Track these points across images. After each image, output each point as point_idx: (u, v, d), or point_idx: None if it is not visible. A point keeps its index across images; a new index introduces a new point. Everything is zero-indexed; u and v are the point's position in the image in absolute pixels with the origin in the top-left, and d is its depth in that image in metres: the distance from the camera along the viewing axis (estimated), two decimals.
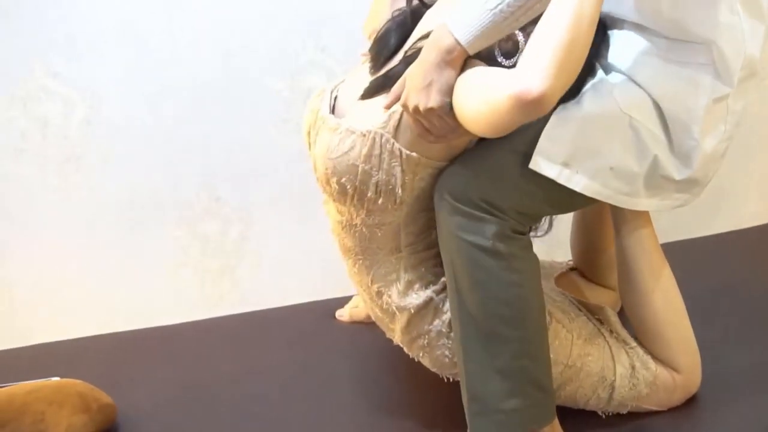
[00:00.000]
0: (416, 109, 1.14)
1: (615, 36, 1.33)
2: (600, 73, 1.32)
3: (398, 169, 1.24)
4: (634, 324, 1.46)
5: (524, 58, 1.04)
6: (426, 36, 1.21)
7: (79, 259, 2.05)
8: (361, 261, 1.37)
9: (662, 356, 1.43)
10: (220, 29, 1.91)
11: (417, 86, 1.13)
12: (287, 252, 2.14)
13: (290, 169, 2.04)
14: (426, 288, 1.35)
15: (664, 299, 1.43)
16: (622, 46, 1.31)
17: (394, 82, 1.23)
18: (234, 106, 1.98)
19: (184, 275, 2.13)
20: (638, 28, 1.30)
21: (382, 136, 1.23)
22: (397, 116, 1.22)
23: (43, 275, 2.06)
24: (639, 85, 1.29)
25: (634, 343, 1.43)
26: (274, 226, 2.11)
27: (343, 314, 1.80)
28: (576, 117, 1.26)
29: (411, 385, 1.56)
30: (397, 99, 1.20)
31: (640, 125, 1.27)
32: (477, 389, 1.29)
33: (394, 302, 1.36)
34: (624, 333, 1.45)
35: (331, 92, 1.37)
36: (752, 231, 2.09)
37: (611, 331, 1.44)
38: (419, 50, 1.20)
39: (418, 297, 1.35)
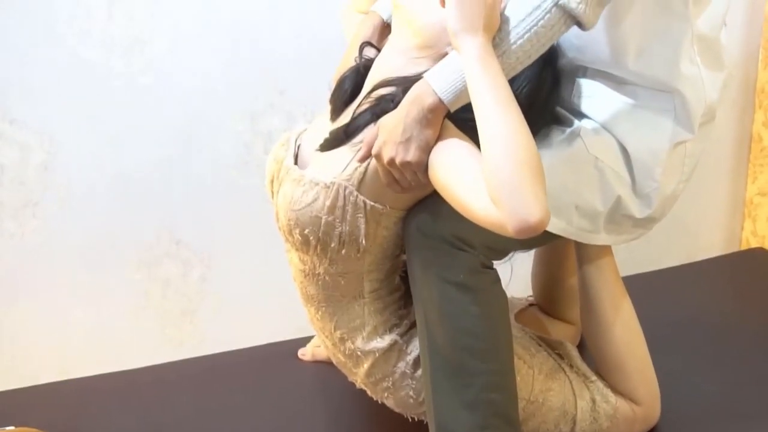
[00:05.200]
0: (391, 162, 1.14)
1: (579, 83, 1.37)
2: (568, 117, 1.36)
3: (362, 221, 1.24)
4: (595, 356, 1.49)
5: (499, 192, 1.03)
6: (375, 89, 1.23)
7: (36, 304, 2.03)
8: (324, 308, 1.37)
9: (622, 388, 1.45)
10: (178, 72, 1.92)
11: (395, 139, 1.13)
12: (248, 294, 2.14)
13: (250, 210, 2.04)
14: (390, 331, 1.36)
15: (625, 331, 1.46)
16: (588, 92, 1.35)
17: (353, 136, 1.24)
18: (194, 148, 1.98)
19: (144, 318, 2.11)
20: (602, 74, 1.34)
21: (345, 188, 1.23)
22: (362, 168, 1.22)
23: (0, 321, 2.03)
24: (605, 128, 1.32)
25: (594, 377, 1.45)
26: (235, 267, 2.11)
27: (305, 353, 1.78)
28: (544, 157, 1.28)
29: (376, 423, 1.55)
30: (370, 151, 1.19)
31: (605, 166, 1.31)
32: (445, 422, 1.29)
33: (358, 348, 1.36)
34: (584, 367, 1.47)
35: (295, 141, 1.37)
36: (704, 263, 2.13)
37: (571, 366, 1.46)
38: (377, 101, 1.22)
39: (382, 341, 1.35)
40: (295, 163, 1.34)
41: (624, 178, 1.32)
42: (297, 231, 1.27)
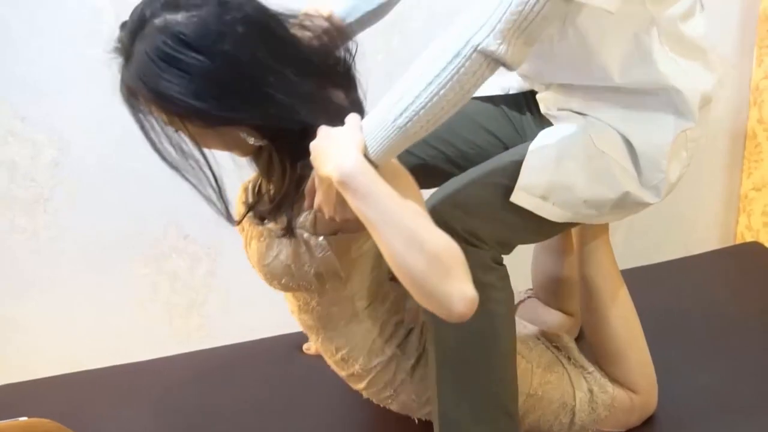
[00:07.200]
0: (332, 219, 1.15)
1: (576, 91, 1.36)
2: (573, 115, 1.36)
3: (331, 255, 1.24)
4: (593, 346, 1.50)
5: (419, 299, 1.03)
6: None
7: (47, 297, 2.05)
8: (323, 334, 1.38)
9: (621, 378, 1.47)
10: None
11: (331, 200, 1.12)
12: (254, 287, 2.13)
13: None
14: (389, 343, 1.37)
15: (623, 322, 1.48)
16: (587, 97, 1.35)
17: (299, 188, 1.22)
18: None
19: (152, 312, 2.13)
20: (594, 88, 1.34)
21: (302, 234, 1.23)
22: (312, 215, 1.22)
23: (11, 315, 2.05)
24: (610, 125, 1.33)
25: (591, 368, 1.47)
26: (242, 261, 2.09)
27: (309, 347, 1.80)
28: (553, 153, 1.30)
29: (380, 416, 1.57)
30: (313, 199, 1.18)
31: (612, 161, 1.31)
32: (448, 414, 1.32)
33: (360, 366, 1.38)
34: (581, 359, 1.49)
35: (254, 189, 1.36)
36: (700, 257, 2.13)
37: (569, 358, 1.48)
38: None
39: (383, 355, 1.37)
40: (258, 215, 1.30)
41: (630, 172, 1.32)
42: (275, 282, 1.28)
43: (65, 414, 1.56)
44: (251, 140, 1.16)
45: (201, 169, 1.18)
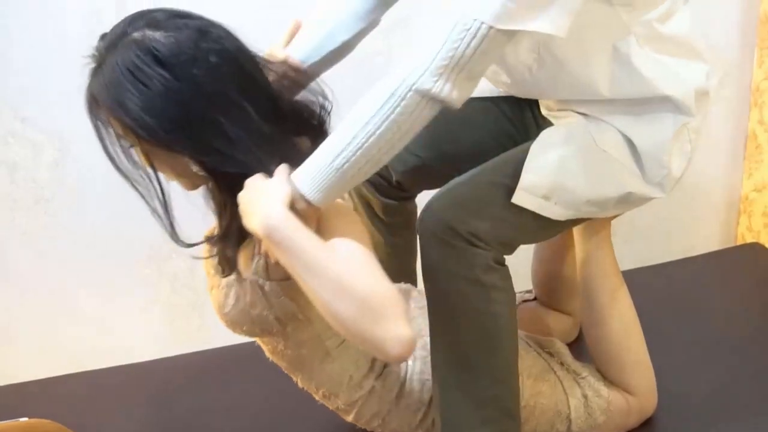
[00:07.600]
0: (278, 263, 1.14)
1: (572, 101, 1.37)
2: (573, 114, 1.37)
3: (286, 300, 1.24)
4: (591, 347, 1.50)
5: (359, 343, 1.03)
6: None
7: (48, 298, 2.05)
8: (300, 374, 1.39)
9: (618, 379, 1.47)
10: None
11: None
12: None
13: None
14: (367, 377, 1.37)
15: (622, 322, 1.48)
16: (584, 101, 1.35)
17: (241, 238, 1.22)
18: None
19: (153, 312, 2.13)
20: (588, 101, 1.34)
21: (256, 281, 1.23)
22: (263, 259, 1.22)
23: (12, 316, 2.05)
24: (611, 125, 1.33)
25: (585, 373, 1.47)
26: None
27: None
28: (555, 153, 1.30)
29: None
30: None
31: (614, 161, 1.31)
32: (451, 416, 1.32)
33: (342, 401, 1.39)
34: (575, 364, 1.48)
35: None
36: (701, 258, 2.13)
37: (562, 364, 1.48)
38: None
39: (362, 389, 1.37)
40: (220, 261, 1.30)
41: (633, 171, 1.33)
42: (238, 329, 1.30)
43: (65, 414, 1.56)
44: (194, 168, 1.15)
45: (150, 181, 1.18)
